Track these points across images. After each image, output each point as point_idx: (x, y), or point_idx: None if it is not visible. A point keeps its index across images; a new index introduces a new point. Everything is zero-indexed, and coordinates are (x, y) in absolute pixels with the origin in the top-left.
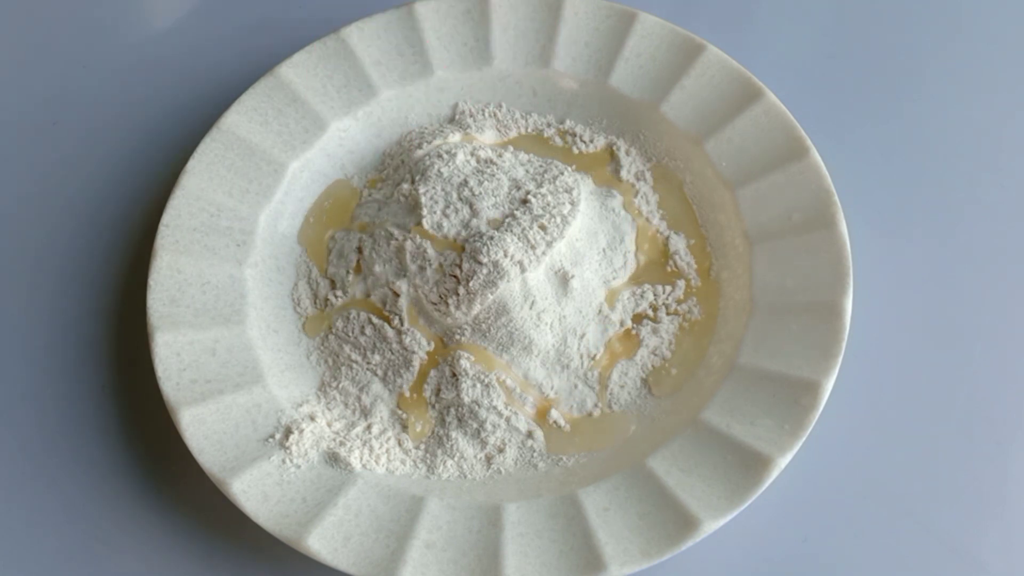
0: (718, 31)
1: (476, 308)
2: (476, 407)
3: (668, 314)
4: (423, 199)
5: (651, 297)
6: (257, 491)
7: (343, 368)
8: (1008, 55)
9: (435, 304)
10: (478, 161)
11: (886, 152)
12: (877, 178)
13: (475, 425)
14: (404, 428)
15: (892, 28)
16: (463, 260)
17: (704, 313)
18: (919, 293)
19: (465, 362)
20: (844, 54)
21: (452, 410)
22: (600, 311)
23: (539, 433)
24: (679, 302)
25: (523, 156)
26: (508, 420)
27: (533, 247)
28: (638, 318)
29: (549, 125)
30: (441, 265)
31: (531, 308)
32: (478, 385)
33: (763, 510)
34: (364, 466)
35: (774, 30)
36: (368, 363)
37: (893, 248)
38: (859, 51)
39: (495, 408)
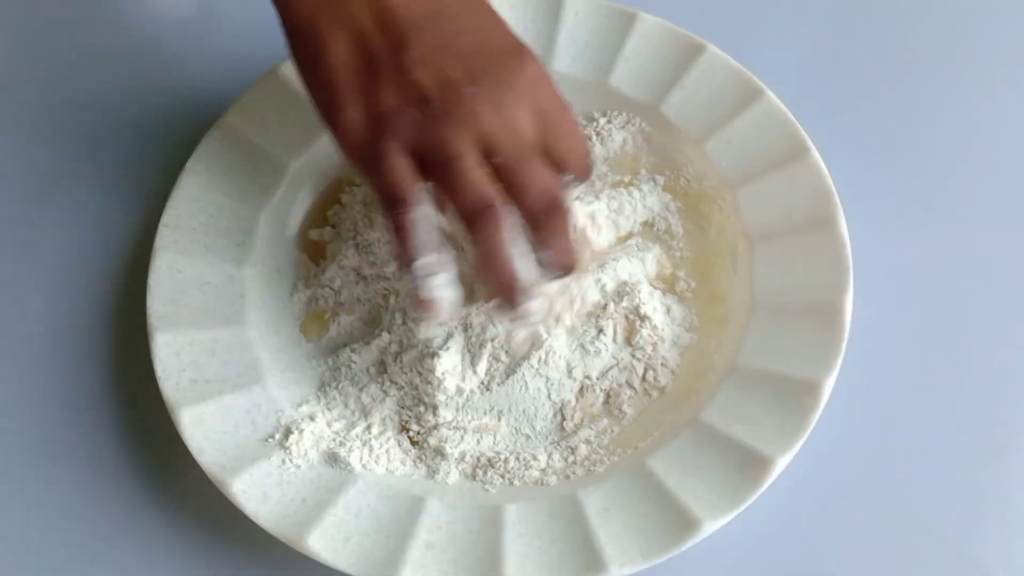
0: (718, 31)
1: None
2: None
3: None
4: None
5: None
6: (257, 491)
7: (342, 368)
8: (1010, 55)
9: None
10: None
11: (886, 151)
12: (877, 177)
13: None
14: (404, 428)
15: (893, 28)
16: None
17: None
18: (920, 293)
19: None
20: (844, 53)
21: None
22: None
23: None
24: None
25: None
26: None
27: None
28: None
29: None
30: None
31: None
32: None
33: (764, 510)
34: (364, 466)
35: (774, 30)
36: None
37: (894, 248)
38: (859, 50)
39: None
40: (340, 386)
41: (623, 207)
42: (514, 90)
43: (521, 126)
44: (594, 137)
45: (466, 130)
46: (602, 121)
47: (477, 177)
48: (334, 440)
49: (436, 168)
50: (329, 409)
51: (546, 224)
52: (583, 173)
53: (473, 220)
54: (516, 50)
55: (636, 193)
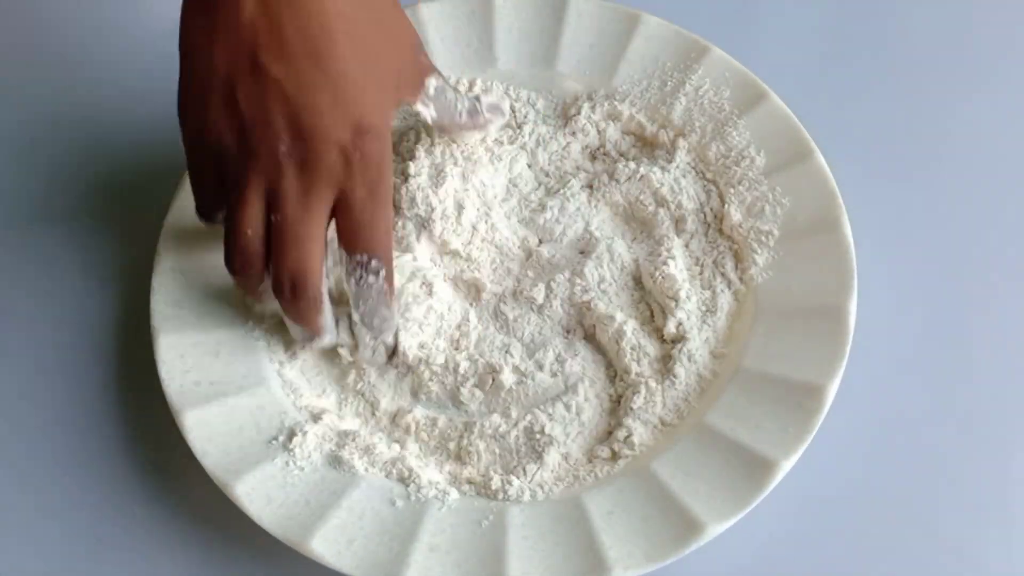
0: (720, 32)
1: None
2: None
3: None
4: None
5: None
6: (261, 493)
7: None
8: (1016, 58)
9: None
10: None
11: (890, 153)
12: (881, 179)
13: None
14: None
15: (896, 28)
16: None
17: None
18: (924, 296)
19: None
20: (847, 54)
21: None
22: None
23: None
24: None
25: None
26: None
27: None
28: None
29: None
30: None
31: None
32: None
33: (767, 513)
34: (367, 469)
35: (776, 31)
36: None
37: (897, 250)
38: (863, 51)
39: None
40: (345, 388)
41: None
42: (329, 160)
43: (311, 198)
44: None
45: (261, 175)
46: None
47: (243, 230)
48: (337, 443)
49: None
50: (331, 411)
51: (284, 297)
52: (360, 250)
53: (232, 269)
54: (358, 128)
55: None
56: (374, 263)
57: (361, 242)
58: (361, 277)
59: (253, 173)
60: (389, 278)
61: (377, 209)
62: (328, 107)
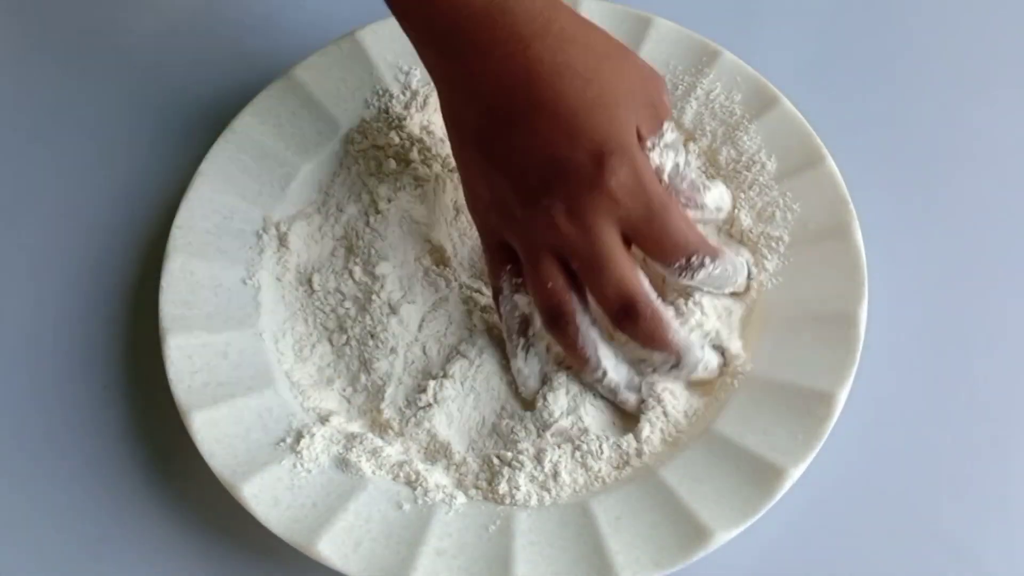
0: (732, 37)
1: None
2: None
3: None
4: None
5: None
6: (268, 495)
7: (356, 365)
8: None
9: None
10: None
11: (902, 160)
12: (891, 184)
13: None
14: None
15: (906, 31)
16: None
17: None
18: (935, 303)
19: None
20: (860, 60)
21: None
22: None
23: None
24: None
25: None
26: None
27: None
28: None
29: None
30: None
31: None
32: None
33: (776, 521)
34: (374, 472)
35: (788, 36)
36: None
37: (909, 258)
38: (876, 57)
39: None
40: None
41: None
42: (592, 200)
43: (596, 234)
44: None
45: (542, 240)
46: None
47: (545, 286)
48: (345, 445)
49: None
50: (339, 413)
51: (624, 323)
52: (675, 259)
53: (549, 323)
54: (600, 157)
55: None
56: (694, 260)
57: (668, 253)
58: (691, 275)
59: (536, 237)
60: (713, 255)
61: (662, 218)
62: (565, 142)
